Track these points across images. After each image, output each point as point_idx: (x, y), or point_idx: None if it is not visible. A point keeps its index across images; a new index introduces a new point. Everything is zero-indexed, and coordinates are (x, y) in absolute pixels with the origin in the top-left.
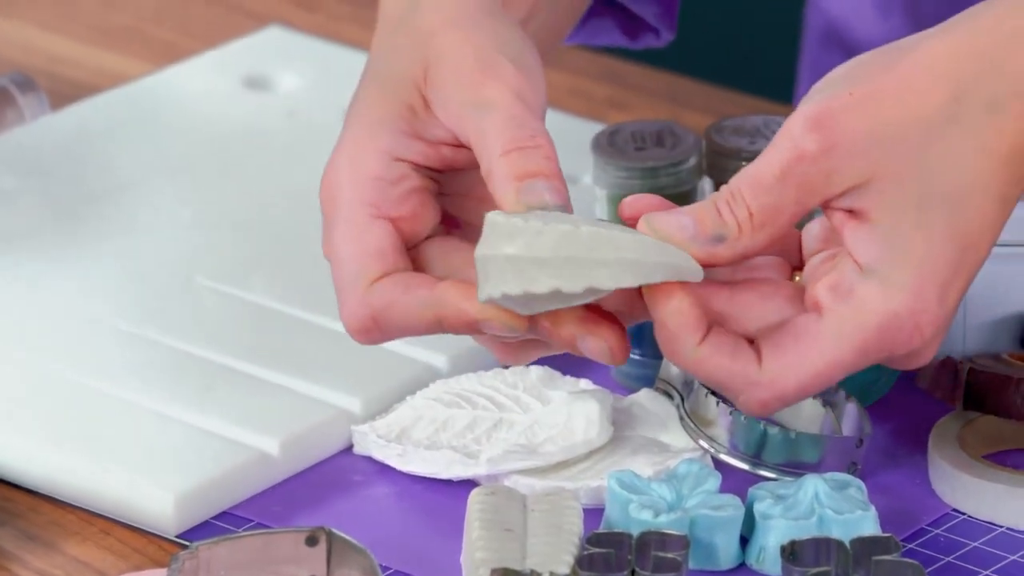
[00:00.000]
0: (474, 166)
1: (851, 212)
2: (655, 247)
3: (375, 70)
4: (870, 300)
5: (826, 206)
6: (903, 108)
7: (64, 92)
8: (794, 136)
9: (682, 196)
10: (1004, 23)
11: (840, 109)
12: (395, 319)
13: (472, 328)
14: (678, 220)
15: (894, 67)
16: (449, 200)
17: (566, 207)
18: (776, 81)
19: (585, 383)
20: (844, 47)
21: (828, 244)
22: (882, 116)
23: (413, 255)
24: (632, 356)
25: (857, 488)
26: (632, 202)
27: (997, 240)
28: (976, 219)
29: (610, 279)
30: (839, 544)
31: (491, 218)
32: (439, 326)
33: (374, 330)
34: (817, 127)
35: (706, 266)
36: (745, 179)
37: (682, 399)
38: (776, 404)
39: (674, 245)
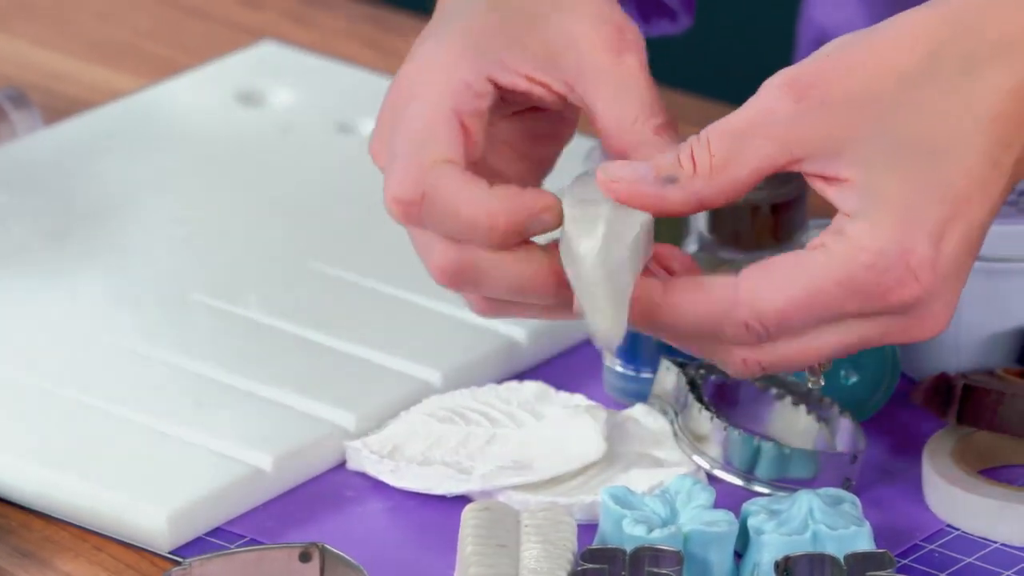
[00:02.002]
0: (546, 111)
1: (828, 179)
2: None
3: None
4: (857, 236)
5: (802, 171)
6: (877, 65)
7: (57, 107)
8: (768, 92)
9: None
10: None
11: (815, 70)
12: (446, 202)
13: (529, 215)
14: (631, 165)
15: (870, 35)
16: (492, 145)
17: None
18: None
19: (579, 398)
20: None
21: None
22: (855, 75)
23: None
24: (626, 372)
25: (851, 504)
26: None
27: (998, 207)
28: (960, 173)
29: None
30: (833, 560)
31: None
32: (488, 219)
33: (415, 209)
34: (791, 84)
35: (657, 212)
36: (714, 126)
37: (676, 415)
38: (757, 328)
39: (624, 183)
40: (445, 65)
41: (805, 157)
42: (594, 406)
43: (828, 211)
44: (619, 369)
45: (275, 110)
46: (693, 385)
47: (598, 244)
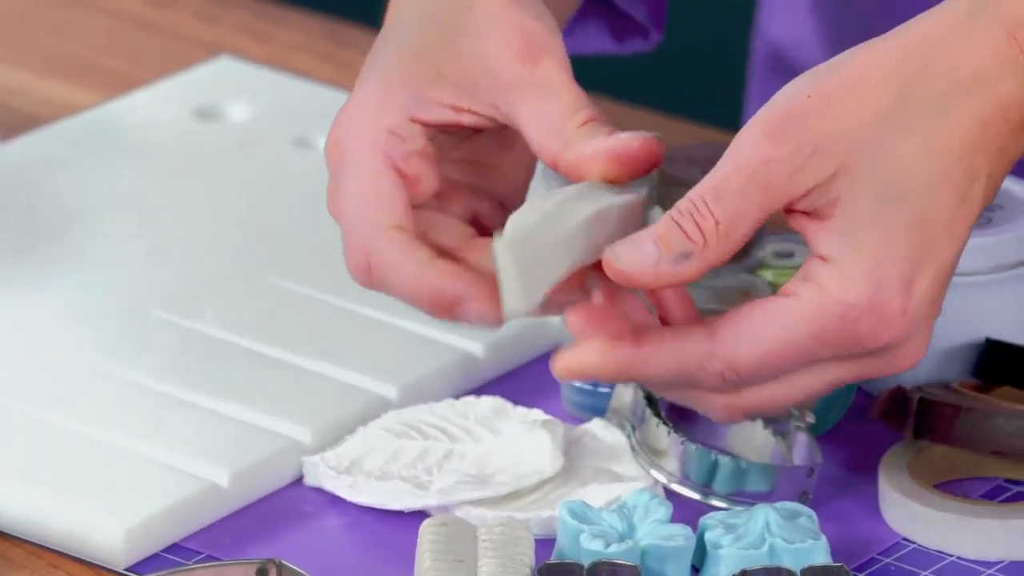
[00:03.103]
0: (488, 131)
1: (810, 213)
2: None
3: (400, 34)
4: (831, 288)
5: (788, 211)
6: (856, 107)
7: (14, 123)
8: (755, 142)
9: None
10: (940, 21)
11: (798, 111)
12: (387, 271)
13: (454, 302)
14: (641, 249)
15: (842, 69)
16: (454, 166)
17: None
18: (727, 109)
19: (537, 413)
20: (791, 75)
21: None
22: (838, 115)
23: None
24: (583, 386)
25: (808, 517)
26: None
27: (966, 241)
28: (935, 214)
29: None
30: (790, 573)
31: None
32: (417, 295)
33: (367, 276)
34: (777, 131)
35: (674, 285)
36: (707, 189)
37: (633, 429)
38: (733, 377)
39: (638, 274)
40: (366, 119)
41: (798, 197)
42: (552, 421)
43: (784, 226)
44: (576, 384)
45: (232, 125)
46: (650, 400)
47: (521, 222)
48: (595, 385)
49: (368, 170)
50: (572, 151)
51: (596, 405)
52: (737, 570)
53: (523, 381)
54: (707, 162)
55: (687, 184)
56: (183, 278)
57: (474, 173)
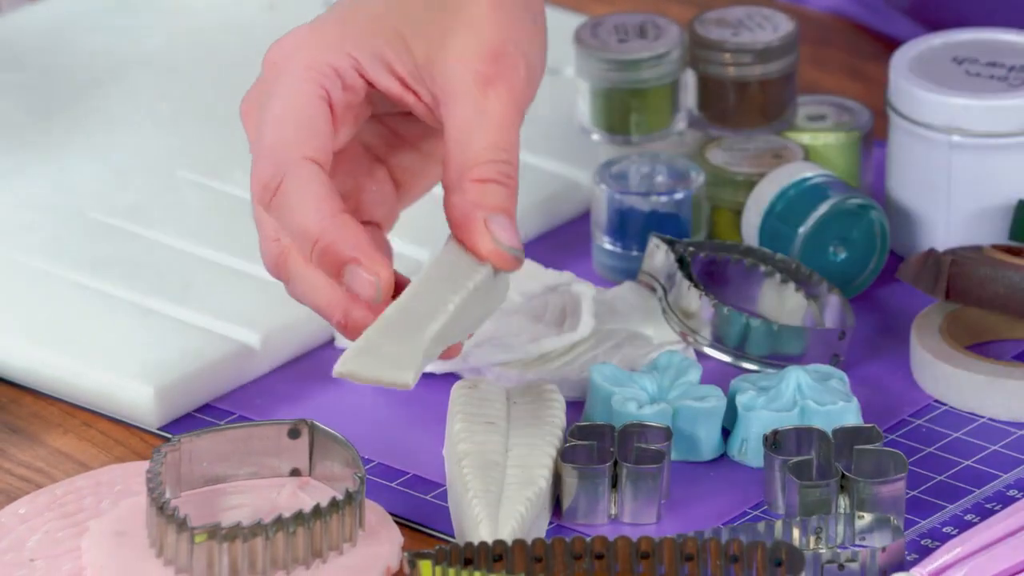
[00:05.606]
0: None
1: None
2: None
3: None
4: None
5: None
6: None
7: None
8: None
9: (664, 89)
10: None
11: None
12: (292, 201)
13: (342, 263)
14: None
15: None
16: (377, 126)
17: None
18: None
19: (568, 276)
20: None
21: None
22: None
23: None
24: (615, 249)
25: (839, 379)
26: None
27: None
28: None
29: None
30: (821, 434)
31: None
32: (310, 237)
33: (269, 195)
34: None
35: None
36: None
37: (665, 292)
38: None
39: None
40: (316, 48)
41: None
42: (583, 283)
43: (818, 88)
44: (608, 247)
45: None
46: (682, 262)
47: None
48: (626, 248)
49: (302, 94)
50: (457, 210)
51: (627, 268)
52: (768, 431)
53: (555, 244)
54: (739, 24)
55: (717, 47)
56: (213, 140)
57: (390, 144)
